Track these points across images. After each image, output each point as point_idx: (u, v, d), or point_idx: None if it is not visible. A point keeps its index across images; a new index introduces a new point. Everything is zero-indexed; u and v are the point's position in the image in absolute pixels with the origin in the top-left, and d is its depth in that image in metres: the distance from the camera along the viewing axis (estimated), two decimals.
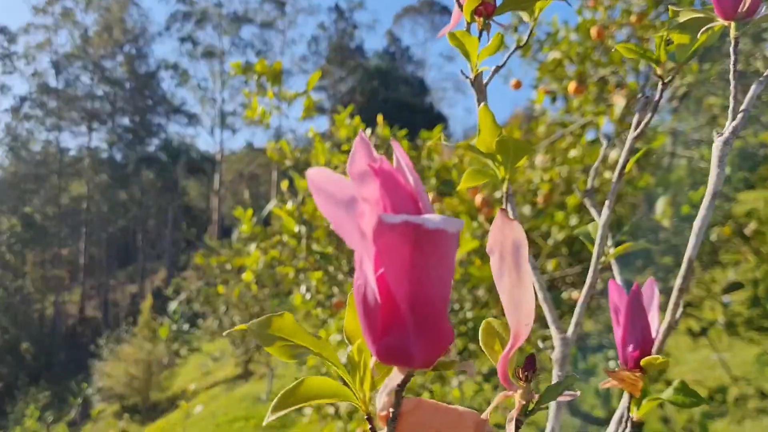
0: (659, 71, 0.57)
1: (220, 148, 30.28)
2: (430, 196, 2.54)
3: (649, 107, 0.58)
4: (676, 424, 2.58)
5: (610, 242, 0.67)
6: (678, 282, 0.51)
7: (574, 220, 2.38)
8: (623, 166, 0.60)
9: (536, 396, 0.25)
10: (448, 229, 0.20)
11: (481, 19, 0.64)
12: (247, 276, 2.56)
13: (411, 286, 0.21)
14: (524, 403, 0.25)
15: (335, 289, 2.33)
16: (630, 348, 0.48)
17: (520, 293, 0.24)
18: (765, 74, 0.52)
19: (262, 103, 2.49)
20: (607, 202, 0.61)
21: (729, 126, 0.51)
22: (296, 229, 2.33)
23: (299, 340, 0.24)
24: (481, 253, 2.31)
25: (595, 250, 0.61)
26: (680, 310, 0.52)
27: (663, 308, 0.46)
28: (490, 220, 2.35)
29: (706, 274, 2.79)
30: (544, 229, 2.60)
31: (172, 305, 14.57)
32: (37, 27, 29.63)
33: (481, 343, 0.26)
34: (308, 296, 2.39)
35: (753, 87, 0.52)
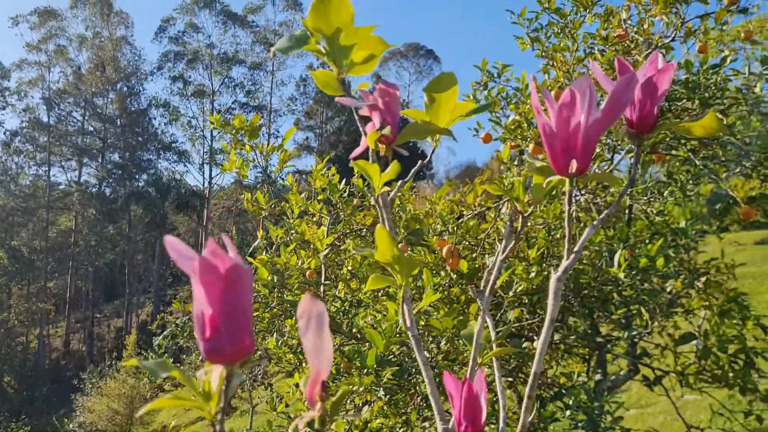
0: (519, 207, 0.69)
1: (208, 185, 30.40)
2: (400, 246, 2.65)
3: (513, 235, 0.70)
4: None
5: (493, 336, 0.78)
6: (527, 391, 0.62)
7: (533, 273, 2.48)
8: (494, 283, 0.71)
9: (328, 411, 0.35)
10: (243, 266, 0.33)
11: (384, 146, 0.77)
12: None
13: (223, 308, 0.33)
14: (319, 414, 0.34)
15: None
16: (463, 426, 0.61)
17: (320, 343, 0.35)
18: (598, 219, 0.64)
19: (240, 155, 2.62)
20: (480, 313, 0.72)
21: (563, 265, 0.62)
22: (269, 278, 2.43)
23: (173, 373, 0.36)
24: (447, 301, 2.40)
25: (473, 351, 0.72)
26: (533, 414, 0.63)
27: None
28: (454, 271, 2.45)
29: (668, 321, 2.88)
30: (506, 280, 2.70)
31: (157, 340, 14.48)
32: (30, 63, 29.95)
33: (301, 385, 0.37)
34: (280, 342, 2.47)
35: (587, 231, 0.63)
